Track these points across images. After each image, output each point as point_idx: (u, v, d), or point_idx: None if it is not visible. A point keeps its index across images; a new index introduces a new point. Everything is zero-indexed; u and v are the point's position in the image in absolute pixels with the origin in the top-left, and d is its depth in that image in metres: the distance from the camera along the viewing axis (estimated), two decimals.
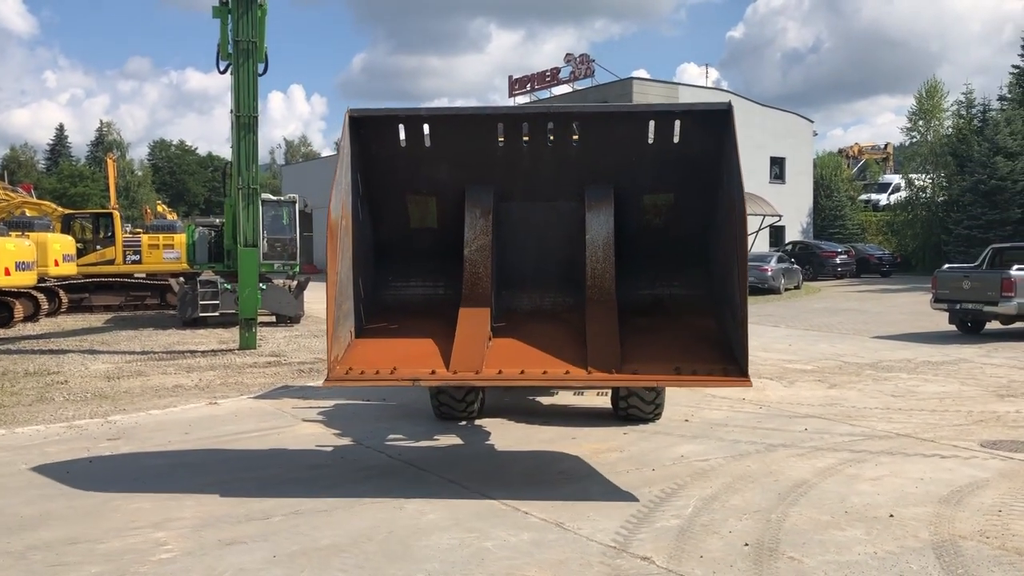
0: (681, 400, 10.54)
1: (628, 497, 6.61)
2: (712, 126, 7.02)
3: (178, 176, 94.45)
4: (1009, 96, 40.32)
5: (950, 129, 41.22)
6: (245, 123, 16.20)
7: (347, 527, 5.91)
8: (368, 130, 7.27)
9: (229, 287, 21.23)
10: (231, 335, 19.67)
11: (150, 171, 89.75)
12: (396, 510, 6.28)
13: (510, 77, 45.45)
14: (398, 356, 6.94)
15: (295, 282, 22.69)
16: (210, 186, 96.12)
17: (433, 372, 6.73)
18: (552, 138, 7.35)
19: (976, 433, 8.88)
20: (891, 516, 6.03)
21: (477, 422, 9.47)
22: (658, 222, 7.78)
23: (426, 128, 7.35)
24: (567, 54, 41.52)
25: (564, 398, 10.85)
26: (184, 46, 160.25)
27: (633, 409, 9.29)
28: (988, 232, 32.08)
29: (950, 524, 5.86)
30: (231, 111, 20.04)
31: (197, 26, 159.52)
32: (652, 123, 7.21)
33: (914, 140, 42.67)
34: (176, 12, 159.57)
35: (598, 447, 8.30)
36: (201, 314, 21.17)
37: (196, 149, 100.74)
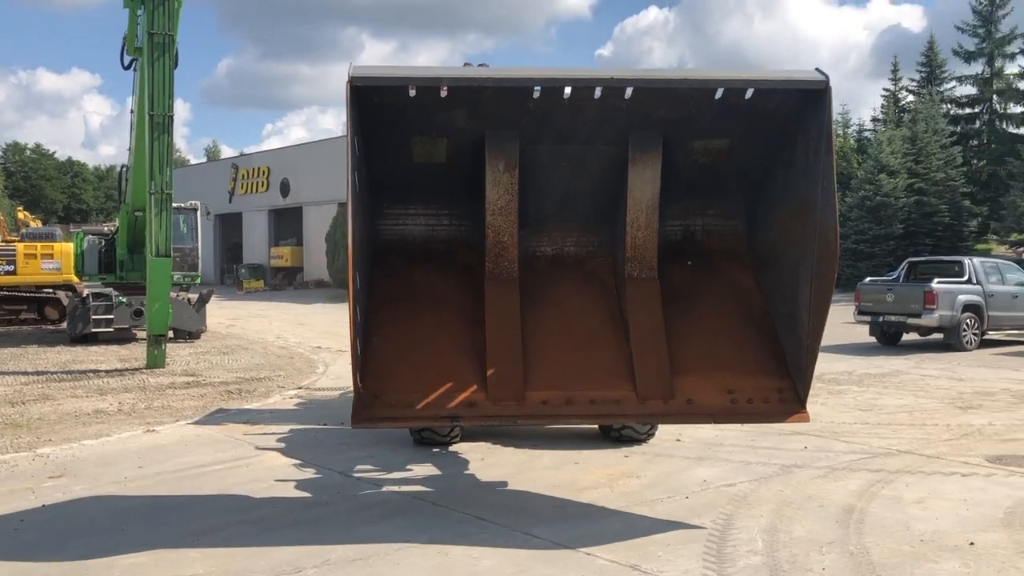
0: None
1: (682, 527, 6.07)
2: (798, 106, 5.87)
3: (34, 182, 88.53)
4: (883, 117, 42.37)
5: None
6: (160, 122, 14.86)
7: None
8: (371, 89, 5.77)
9: (124, 300, 19.65)
10: (129, 352, 18.17)
11: (2, 176, 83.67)
12: (442, 556, 5.52)
13: None
14: (423, 365, 6.15)
15: (196, 295, 21.20)
16: (70, 192, 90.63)
17: (473, 405, 6.02)
18: (598, 95, 5.92)
19: (973, 448, 8.80)
20: (972, 544, 5.70)
21: (457, 447, 8.75)
22: (705, 160, 6.55)
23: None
24: (465, 63, 40.80)
25: None
26: (33, 44, 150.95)
27: (627, 430, 8.78)
28: (874, 246, 33.45)
29: None
30: (132, 111, 18.60)
31: (48, 23, 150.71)
32: (721, 89, 5.90)
33: None
34: (24, 9, 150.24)
35: (610, 473, 7.74)
36: (93, 329, 19.47)
37: (54, 153, 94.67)
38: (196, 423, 10.42)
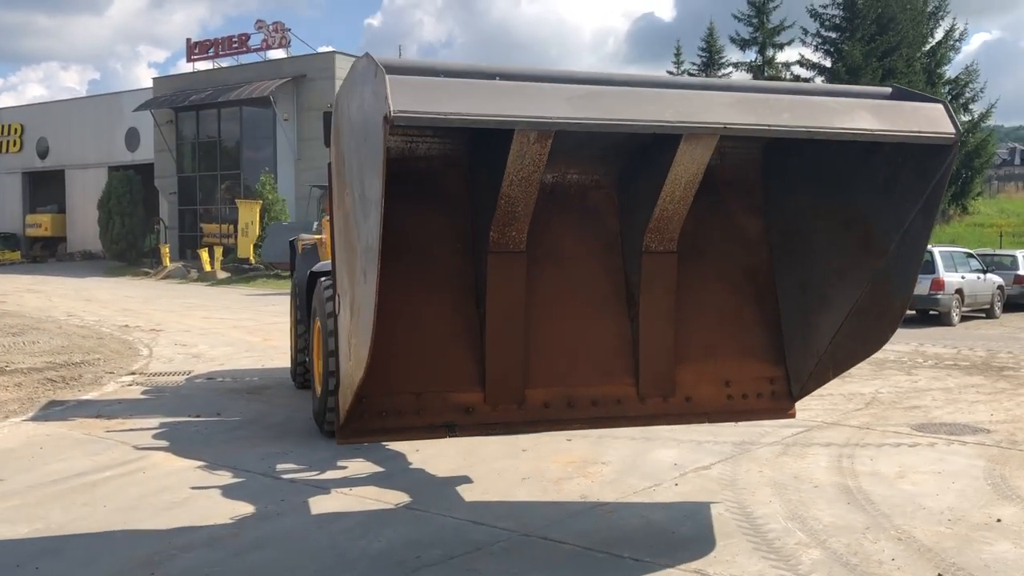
0: None
1: (701, 519, 5.56)
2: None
3: None
4: None
5: None
6: None
7: None
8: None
9: None
10: None
11: None
12: (474, 574, 4.63)
13: (188, 40, 40.93)
14: (412, 351, 5.12)
15: None
16: None
17: (470, 411, 5.13)
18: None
19: (887, 417, 8.95)
20: (999, 521, 5.58)
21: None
22: None
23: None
24: (258, 20, 38.37)
25: None
26: None
27: None
28: None
29: None
30: None
31: None
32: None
33: None
34: None
35: (571, 460, 7.09)
36: None
37: None
38: (35, 420, 8.67)
